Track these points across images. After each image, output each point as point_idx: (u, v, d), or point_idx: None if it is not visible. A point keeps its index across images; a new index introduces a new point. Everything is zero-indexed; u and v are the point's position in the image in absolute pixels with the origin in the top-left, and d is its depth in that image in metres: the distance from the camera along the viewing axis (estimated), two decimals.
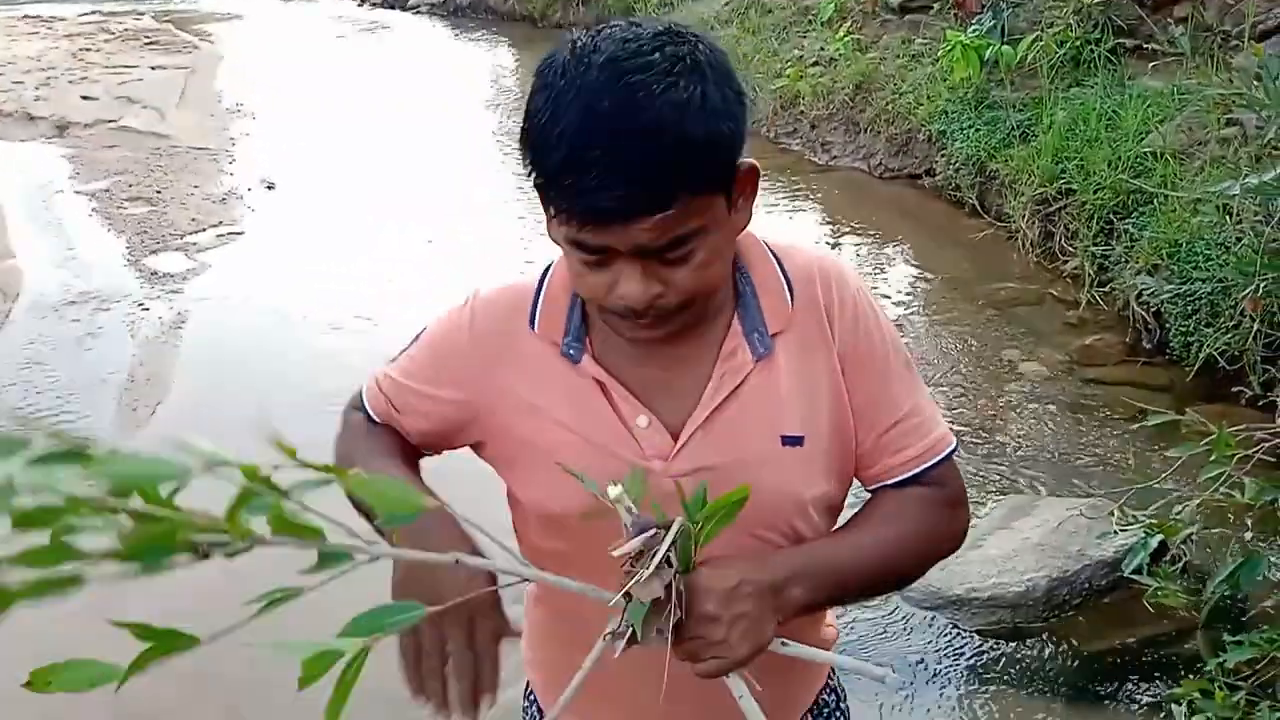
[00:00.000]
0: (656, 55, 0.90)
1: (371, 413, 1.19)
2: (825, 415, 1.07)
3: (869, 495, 1.15)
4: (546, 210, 0.97)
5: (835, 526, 1.13)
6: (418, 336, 1.18)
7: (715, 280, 1.00)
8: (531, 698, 1.33)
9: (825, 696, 1.26)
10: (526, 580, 0.79)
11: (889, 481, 1.11)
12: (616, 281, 0.95)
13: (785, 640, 0.99)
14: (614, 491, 0.86)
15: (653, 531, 0.88)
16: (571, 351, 1.07)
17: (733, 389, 1.05)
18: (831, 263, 1.12)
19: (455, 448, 1.18)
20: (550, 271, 1.11)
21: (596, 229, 0.92)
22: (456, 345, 1.13)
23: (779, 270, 1.08)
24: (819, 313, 1.07)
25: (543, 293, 1.10)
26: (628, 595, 0.87)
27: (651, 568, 0.86)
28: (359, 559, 0.54)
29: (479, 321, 1.12)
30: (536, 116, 0.93)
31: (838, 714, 1.28)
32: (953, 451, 1.13)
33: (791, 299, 1.07)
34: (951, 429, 1.15)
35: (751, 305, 1.07)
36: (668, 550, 0.87)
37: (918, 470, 1.10)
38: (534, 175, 0.95)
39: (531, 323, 1.09)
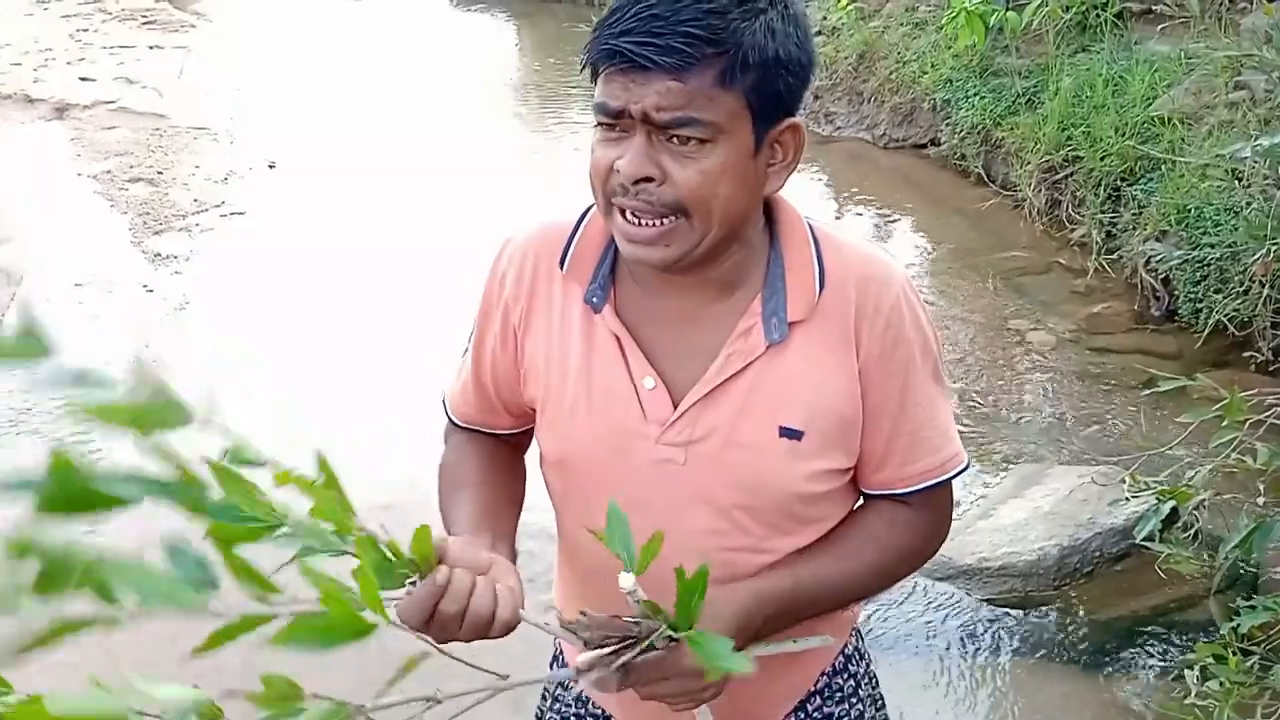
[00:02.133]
0: None
1: (454, 416, 1.23)
2: (832, 415, 1.04)
3: (863, 500, 1.14)
4: (594, 76, 0.99)
5: (828, 526, 1.11)
6: None
7: (716, 203, 0.96)
8: (561, 658, 1.32)
9: (838, 680, 1.23)
10: (503, 689, 0.75)
11: (888, 493, 1.10)
12: (621, 158, 0.96)
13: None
14: (626, 583, 0.83)
15: (624, 634, 0.85)
16: (594, 299, 1.07)
17: (738, 369, 1.03)
18: (878, 264, 1.07)
19: (532, 401, 1.15)
20: (588, 216, 1.09)
21: (616, 80, 0.94)
22: (493, 285, 1.15)
23: (815, 257, 1.05)
24: (848, 312, 1.04)
25: (578, 235, 1.09)
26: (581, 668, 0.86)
27: (606, 668, 0.85)
28: None
29: (511, 257, 1.13)
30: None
31: (854, 699, 1.24)
32: (960, 471, 1.12)
33: (820, 289, 1.04)
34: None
35: (778, 287, 1.04)
36: (630, 655, 0.84)
37: (919, 487, 1.09)
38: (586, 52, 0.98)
39: (561, 263, 1.09)
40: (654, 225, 0.96)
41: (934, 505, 1.13)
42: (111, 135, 6.90)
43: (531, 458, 1.24)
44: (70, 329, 4.42)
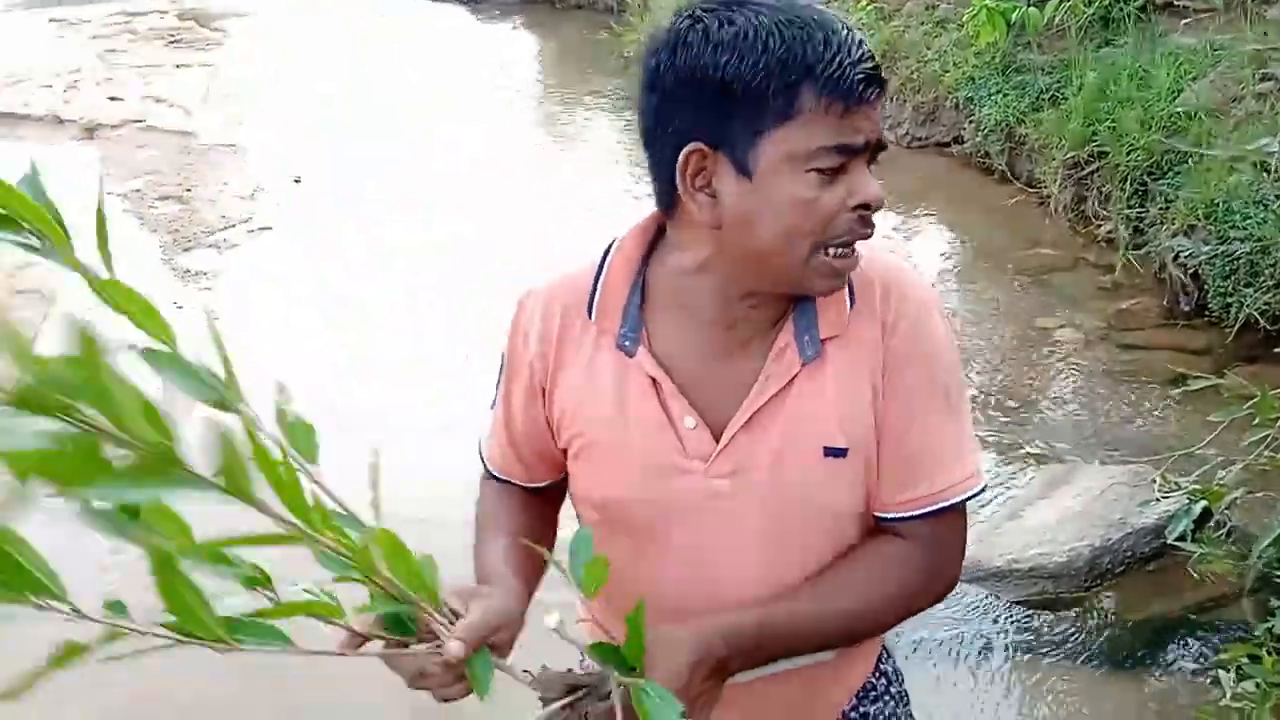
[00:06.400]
0: None
1: (489, 466, 1.22)
2: (870, 428, 1.04)
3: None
4: (781, 119, 0.93)
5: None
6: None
7: None
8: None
9: (873, 679, 1.24)
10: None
11: (884, 515, 1.07)
12: (850, 192, 0.95)
13: None
14: (550, 622, 0.84)
15: (577, 687, 0.87)
16: (627, 343, 1.06)
17: (776, 391, 1.03)
18: (899, 272, 1.07)
19: (564, 452, 1.15)
20: (609, 259, 1.08)
21: (857, 112, 0.93)
22: (517, 341, 1.14)
23: None
24: (876, 323, 1.03)
25: (601, 280, 1.07)
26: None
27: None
28: None
29: (533, 314, 1.12)
30: (751, 38, 0.92)
31: (887, 696, 1.25)
32: (966, 499, 1.06)
33: (850, 304, 1.03)
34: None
35: (808, 307, 1.03)
36: (585, 706, 0.86)
37: (915, 513, 1.05)
38: (779, 82, 0.92)
39: (589, 311, 1.07)
40: (855, 252, 0.99)
41: (934, 539, 1.06)
42: (140, 154, 7.00)
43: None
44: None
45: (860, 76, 0.92)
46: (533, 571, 1.10)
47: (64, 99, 8.21)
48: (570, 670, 0.87)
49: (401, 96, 8.17)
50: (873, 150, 0.96)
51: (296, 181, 6.45)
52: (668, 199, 1.01)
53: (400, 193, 6.17)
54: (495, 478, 1.22)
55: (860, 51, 0.93)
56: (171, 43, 10.11)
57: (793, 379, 1.03)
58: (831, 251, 0.96)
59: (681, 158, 0.96)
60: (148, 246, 5.52)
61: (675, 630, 0.94)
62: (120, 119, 7.70)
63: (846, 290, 1.03)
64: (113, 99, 8.20)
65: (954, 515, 1.07)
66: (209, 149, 7.08)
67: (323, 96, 8.26)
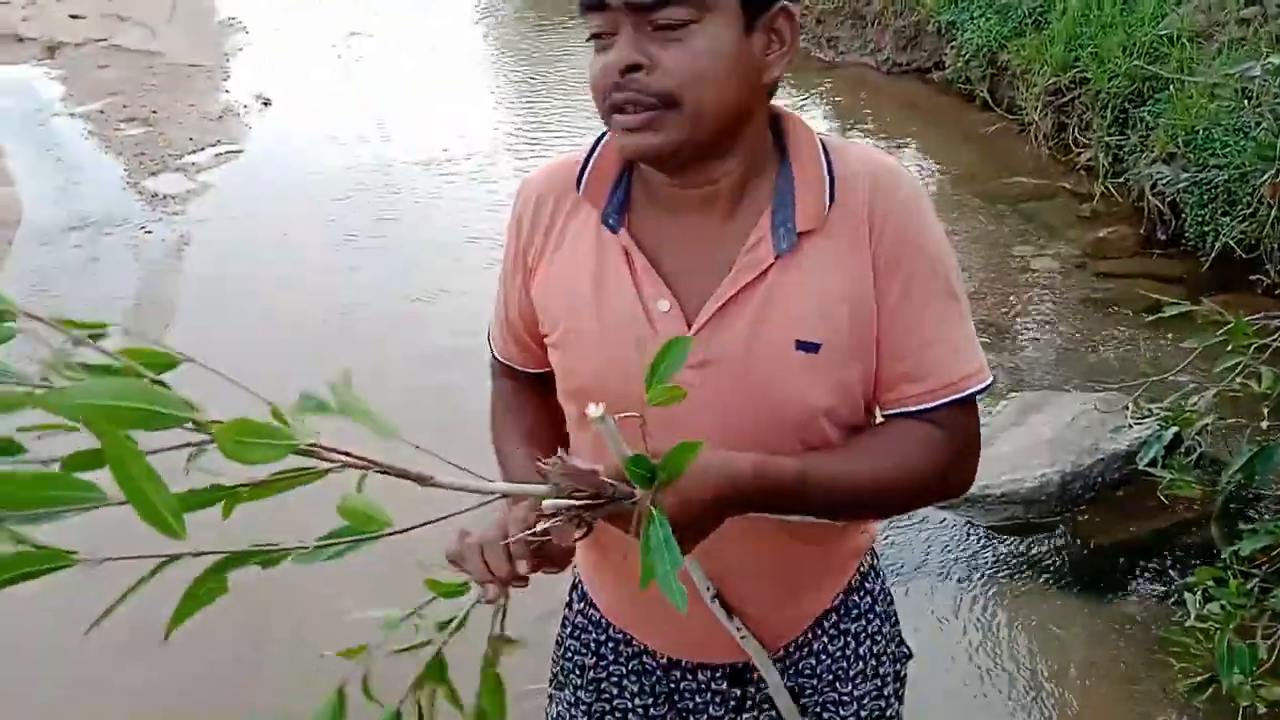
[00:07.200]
0: None
1: (494, 349, 1.27)
2: (848, 327, 1.02)
3: (882, 419, 1.09)
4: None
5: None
6: None
7: (708, 86, 0.95)
8: (580, 588, 1.34)
9: (856, 598, 1.24)
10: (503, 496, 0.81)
11: (900, 410, 1.06)
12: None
13: None
14: (594, 411, 0.80)
15: (596, 491, 0.83)
16: (611, 220, 1.08)
17: (748, 282, 1.02)
18: (888, 168, 1.05)
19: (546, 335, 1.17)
20: (603, 141, 1.10)
21: None
22: (512, 229, 1.17)
23: (825, 168, 1.03)
24: (861, 218, 1.02)
25: (593, 158, 1.10)
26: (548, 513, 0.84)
27: (567, 519, 0.84)
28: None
29: (526, 200, 1.15)
30: None
31: (871, 615, 1.27)
32: (979, 391, 1.05)
33: (830, 199, 1.02)
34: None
35: (786, 199, 1.03)
36: (594, 512, 0.83)
37: (931, 405, 1.04)
38: None
39: (578, 185, 1.10)
40: (644, 112, 0.96)
41: (952, 424, 1.05)
42: (104, 74, 6.81)
43: None
44: (69, 273, 4.41)
45: None
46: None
47: (23, 16, 7.96)
48: (596, 472, 0.83)
49: (372, 13, 7.97)
50: (635, 11, 0.93)
51: (266, 103, 6.31)
52: None
53: (371, 111, 6.05)
54: (500, 363, 1.27)
55: None
56: None
57: (766, 270, 1.02)
58: (615, 112, 0.98)
59: None
60: (113, 170, 5.40)
61: (711, 457, 0.91)
62: (83, 37, 7.48)
63: (826, 183, 1.02)
64: (74, 16, 7.95)
65: (969, 408, 1.06)
66: (176, 69, 6.90)
67: (291, 16, 8.06)
